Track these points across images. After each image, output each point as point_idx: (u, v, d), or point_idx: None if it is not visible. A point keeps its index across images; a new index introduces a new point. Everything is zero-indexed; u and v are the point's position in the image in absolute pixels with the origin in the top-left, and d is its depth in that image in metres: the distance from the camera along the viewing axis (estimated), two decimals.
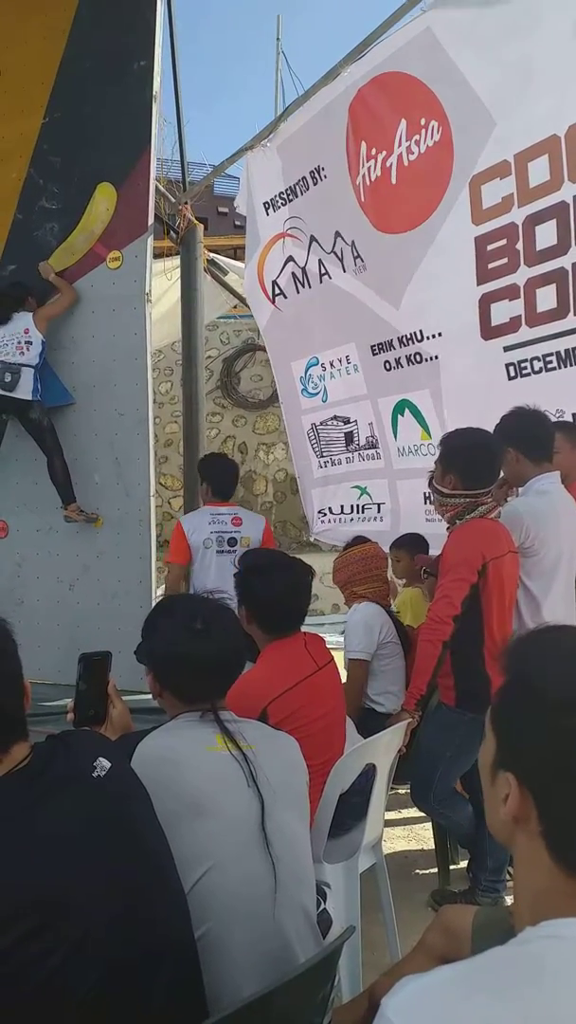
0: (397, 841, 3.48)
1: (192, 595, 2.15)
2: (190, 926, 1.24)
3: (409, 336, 3.99)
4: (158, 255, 4.76)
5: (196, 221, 4.92)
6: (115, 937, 1.10)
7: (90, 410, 4.61)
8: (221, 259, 5.87)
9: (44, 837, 1.09)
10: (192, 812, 1.36)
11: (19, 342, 4.43)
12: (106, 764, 1.21)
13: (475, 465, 2.67)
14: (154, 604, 4.47)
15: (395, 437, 4.47)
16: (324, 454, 5.11)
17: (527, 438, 2.83)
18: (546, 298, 3.25)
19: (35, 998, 1.03)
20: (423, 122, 3.55)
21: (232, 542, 3.99)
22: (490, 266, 3.45)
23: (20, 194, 4.75)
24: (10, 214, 4.77)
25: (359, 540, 3.42)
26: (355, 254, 4.14)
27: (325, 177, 4.19)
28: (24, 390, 4.40)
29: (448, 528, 2.78)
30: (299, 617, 2.27)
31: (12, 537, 4.88)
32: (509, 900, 2.72)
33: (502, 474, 2.87)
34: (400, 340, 4.06)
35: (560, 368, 3.26)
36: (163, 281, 5.47)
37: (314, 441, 5.16)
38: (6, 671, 1.18)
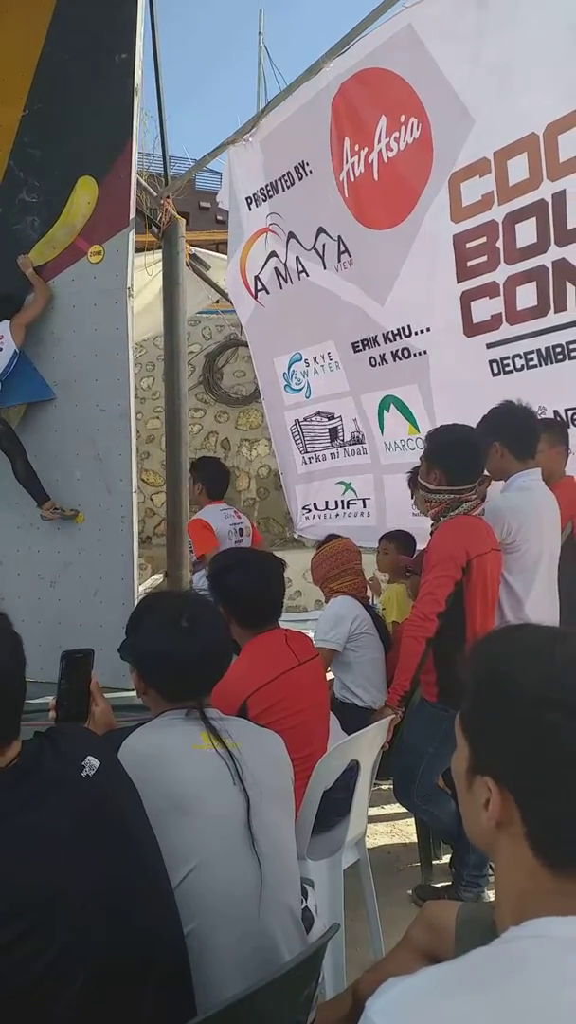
0: (380, 837, 3.49)
1: (176, 592, 2.14)
2: (180, 926, 1.24)
3: (396, 332, 3.98)
4: (139, 249, 4.72)
5: (178, 215, 4.89)
6: (105, 938, 1.09)
7: (71, 405, 4.56)
8: (203, 253, 5.83)
9: (33, 838, 1.09)
10: (177, 810, 1.36)
11: None
12: (95, 763, 1.20)
13: (461, 461, 2.68)
14: (137, 601, 4.49)
15: (381, 432, 4.47)
16: (308, 450, 5.10)
17: (514, 434, 2.84)
18: (526, 296, 3.26)
19: (24, 1000, 1.02)
20: (403, 119, 3.54)
21: (241, 532, 4.31)
22: (469, 264, 3.45)
23: (0, 187, 4.69)
24: None
25: (331, 537, 3.46)
26: (342, 249, 4.12)
27: (310, 172, 4.17)
28: None
29: (432, 525, 2.79)
30: (276, 609, 2.27)
31: None
32: (492, 895, 2.74)
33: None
34: (385, 336, 4.06)
35: (541, 366, 3.28)
36: (144, 275, 5.43)
37: (297, 437, 5.15)
38: (3, 667, 1.17)
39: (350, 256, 4.08)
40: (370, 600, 3.65)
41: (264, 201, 4.51)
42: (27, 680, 1.23)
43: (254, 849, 1.37)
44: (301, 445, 5.12)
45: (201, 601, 1.64)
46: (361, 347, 4.25)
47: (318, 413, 4.92)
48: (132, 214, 4.27)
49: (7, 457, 4.60)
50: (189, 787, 1.39)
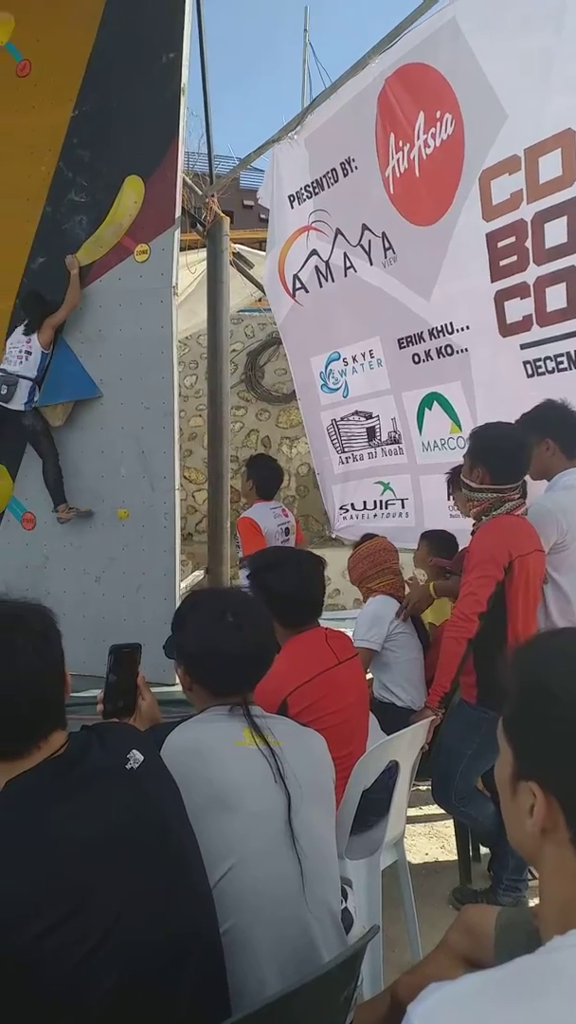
0: (418, 838, 3.47)
1: (221, 588, 2.16)
2: (216, 925, 1.24)
3: (440, 328, 3.95)
4: (183, 248, 4.76)
5: (223, 214, 4.91)
6: (140, 932, 1.10)
7: (116, 403, 4.63)
8: (247, 251, 5.85)
9: (74, 828, 1.10)
10: (218, 806, 1.37)
11: (20, 351, 4.59)
12: (139, 757, 1.22)
13: (505, 460, 2.65)
14: (178, 597, 4.54)
15: (420, 432, 4.43)
16: (345, 450, 5.08)
17: (564, 430, 2.81)
18: (556, 297, 3.19)
19: (57, 992, 1.03)
20: (438, 115, 3.52)
21: (287, 531, 4.39)
22: (501, 263, 3.41)
23: (50, 187, 4.77)
24: (40, 207, 4.79)
25: (367, 537, 3.45)
26: (386, 246, 4.10)
27: (356, 168, 4.16)
28: (18, 402, 4.58)
29: (474, 524, 2.76)
30: (316, 608, 2.28)
31: (40, 529, 4.92)
32: (532, 901, 2.71)
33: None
34: (431, 332, 4.03)
35: (572, 369, 3.22)
36: (188, 274, 5.47)
37: (334, 437, 5.13)
38: (51, 658, 1.19)
39: (394, 252, 4.05)
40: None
41: (308, 199, 4.51)
42: (72, 673, 1.26)
43: (294, 847, 1.37)
44: (338, 445, 5.10)
45: (246, 598, 1.65)
46: (406, 343, 4.22)
47: (356, 412, 4.89)
48: (178, 213, 4.32)
49: (39, 456, 4.72)
50: (230, 783, 1.40)
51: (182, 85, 4.35)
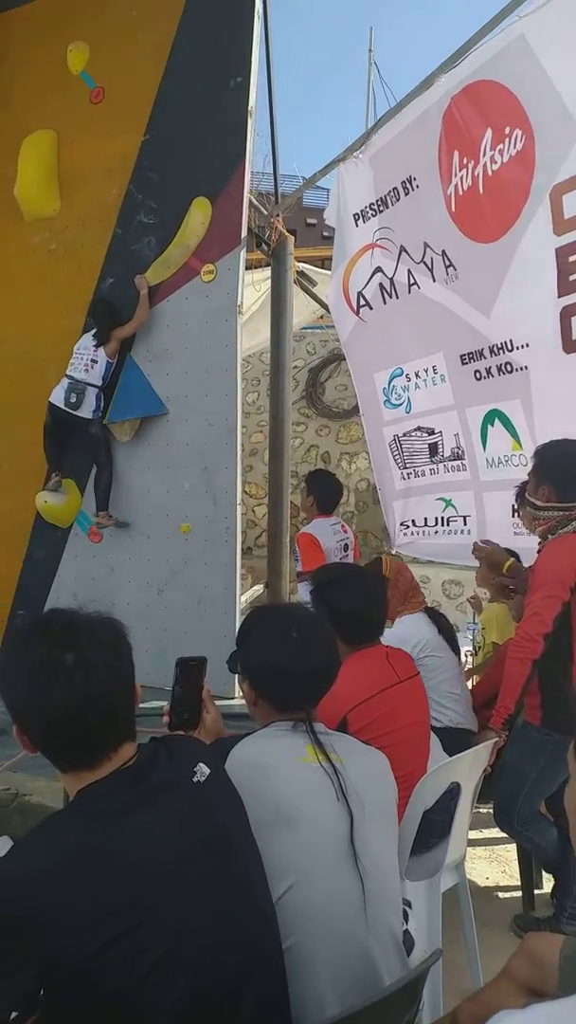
0: (479, 862, 3.41)
1: (285, 604, 2.17)
2: (279, 942, 1.25)
3: (500, 346, 3.92)
4: (247, 267, 4.84)
5: (287, 233, 4.98)
6: (203, 948, 1.11)
7: (182, 420, 4.73)
8: (310, 269, 5.92)
9: (141, 839, 1.12)
10: (279, 822, 1.37)
11: (87, 360, 4.74)
12: (206, 770, 1.24)
13: (571, 478, 2.62)
14: (239, 611, 4.58)
15: (484, 448, 4.39)
16: (407, 466, 5.06)
17: None
18: None
19: (120, 1006, 1.05)
20: (507, 131, 3.51)
21: (346, 547, 4.40)
22: (571, 277, 3.36)
23: (120, 209, 4.92)
24: (110, 229, 4.95)
25: (375, 563, 3.36)
26: (447, 263, 4.10)
27: (416, 187, 4.17)
28: (86, 410, 4.74)
29: (540, 543, 2.72)
30: (379, 626, 2.27)
31: (106, 542, 5.04)
32: None
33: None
34: (491, 349, 4.00)
35: None
36: (251, 292, 5.56)
37: (396, 453, 5.11)
38: (122, 672, 1.22)
39: (455, 269, 4.05)
40: (472, 618, 3.58)
41: (373, 217, 4.53)
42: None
43: (356, 866, 1.37)
44: (400, 461, 5.08)
45: (310, 614, 1.67)
46: (469, 359, 4.20)
47: (418, 428, 4.87)
48: (244, 233, 4.40)
49: (96, 466, 4.88)
50: (293, 799, 1.40)
51: (249, 108, 4.45)
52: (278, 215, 4.92)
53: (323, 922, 1.33)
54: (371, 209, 4.54)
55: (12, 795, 3.10)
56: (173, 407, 4.77)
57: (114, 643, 1.23)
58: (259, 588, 5.47)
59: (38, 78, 5.30)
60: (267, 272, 5.28)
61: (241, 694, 4.42)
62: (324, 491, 4.51)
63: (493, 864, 3.42)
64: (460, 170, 3.88)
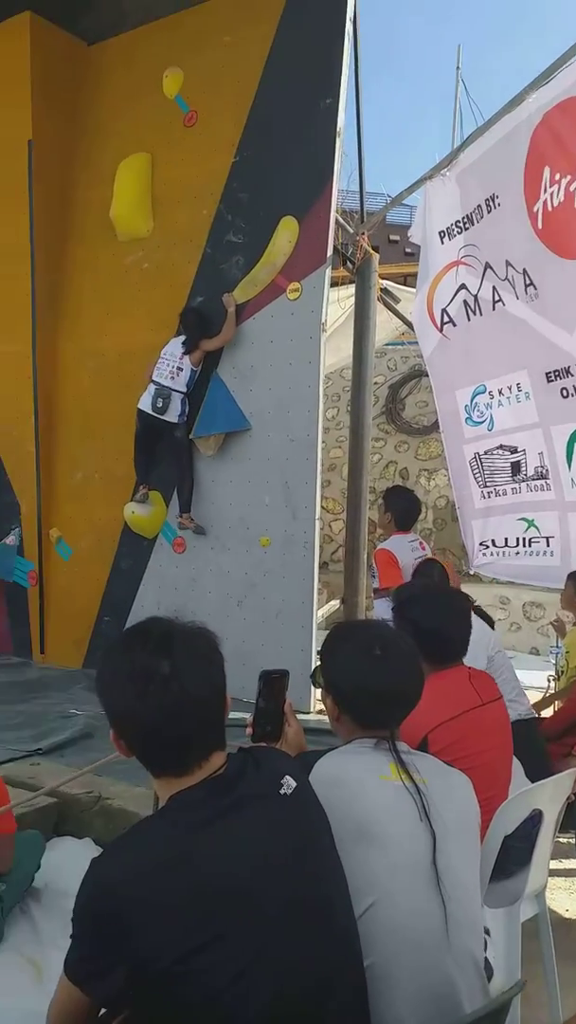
0: (559, 893, 3.31)
1: (369, 621, 2.18)
2: (361, 959, 1.25)
3: None
4: (332, 284, 4.90)
5: (372, 251, 5.01)
6: (289, 957, 1.12)
7: (264, 435, 4.81)
8: (393, 286, 5.93)
9: (230, 848, 1.15)
10: (361, 839, 1.37)
11: (172, 368, 4.93)
12: (292, 783, 1.25)
13: None
14: (315, 626, 4.60)
15: (569, 467, 4.30)
16: (488, 484, 4.99)
17: None
18: None
19: (204, 1014, 1.06)
20: None
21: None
22: None
23: (210, 229, 5.06)
24: (200, 249, 5.09)
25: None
26: (527, 282, 4.05)
27: (499, 205, 4.15)
28: (172, 414, 4.93)
29: None
30: (462, 646, 2.24)
31: (189, 553, 5.16)
32: None
33: None
34: None
35: None
36: (335, 309, 5.61)
37: (476, 471, 5.05)
38: (215, 680, 1.25)
39: (535, 288, 4.00)
40: (556, 642, 3.50)
41: (459, 234, 4.52)
42: None
43: (439, 889, 1.35)
44: (480, 479, 5.01)
45: (395, 632, 1.67)
46: (554, 377, 4.13)
47: (500, 446, 4.80)
48: (330, 251, 4.45)
49: (178, 470, 5.04)
50: (375, 817, 1.40)
51: (338, 129, 4.51)
52: (364, 233, 4.95)
53: (404, 943, 1.32)
54: (457, 227, 4.53)
55: (95, 798, 3.19)
56: (256, 422, 4.85)
57: (208, 653, 1.26)
58: (335, 603, 5.49)
59: (134, 103, 5.51)
60: (350, 289, 5.32)
61: (317, 709, 4.46)
62: (402, 508, 4.50)
63: (574, 896, 3.32)
64: (551, 186, 3.83)
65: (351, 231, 5.10)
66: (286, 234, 4.69)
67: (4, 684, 5.20)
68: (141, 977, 1.09)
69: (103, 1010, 1.22)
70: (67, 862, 2.89)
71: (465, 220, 4.46)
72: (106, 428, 5.52)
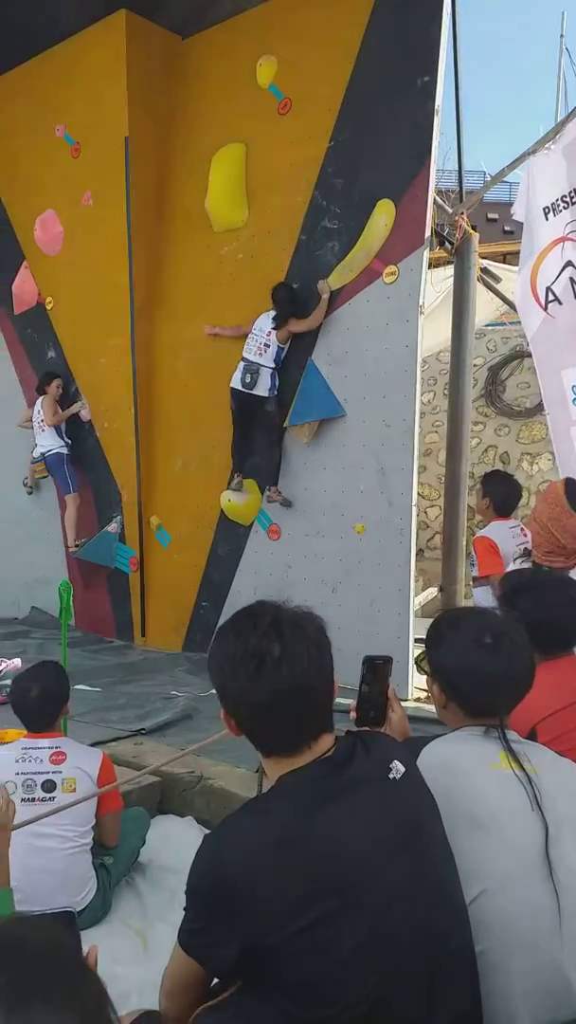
0: None
1: (478, 608, 2.14)
2: (472, 943, 1.24)
3: None
4: (428, 266, 4.80)
5: (472, 230, 4.88)
6: (402, 937, 1.12)
7: (359, 421, 4.78)
8: (492, 265, 5.76)
9: (341, 828, 1.15)
10: (471, 825, 1.36)
11: (259, 344, 5.01)
12: (401, 768, 1.25)
13: None
14: (412, 614, 4.55)
15: None
16: None
17: None
18: None
19: (312, 989, 1.08)
20: None
21: (527, 553, 4.18)
22: None
23: (304, 216, 5.04)
24: (295, 236, 5.08)
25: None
26: None
27: None
28: (262, 388, 5.02)
29: None
30: (573, 635, 2.17)
31: (284, 540, 5.20)
32: None
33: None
34: None
35: None
36: (431, 292, 5.50)
37: None
38: (324, 663, 1.26)
39: None
40: None
41: (564, 209, 4.34)
42: None
43: (551, 880, 1.32)
44: None
45: (505, 619, 1.63)
46: None
47: None
48: (428, 233, 4.36)
49: (267, 444, 5.11)
50: (484, 804, 1.38)
51: (436, 107, 4.40)
52: (463, 213, 4.83)
53: (515, 932, 1.30)
54: (563, 202, 4.34)
55: (197, 778, 3.27)
56: (350, 409, 4.83)
57: (317, 637, 1.28)
58: (433, 591, 5.41)
59: (228, 94, 5.54)
60: (448, 271, 5.21)
61: (414, 696, 4.40)
62: (501, 493, 4.35)
63: None
64: None
65: (449, 211, 4.98)
66: (382, 218, 4.63)
67: (108, 666, 5.39)
68: (252, 951, 1.11)
69: (216, 980, 1.25)
70: (171, 839, 2.98)
71: (572, 194, 4.28)
72: (202, 418, 5.62)
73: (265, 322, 5.04)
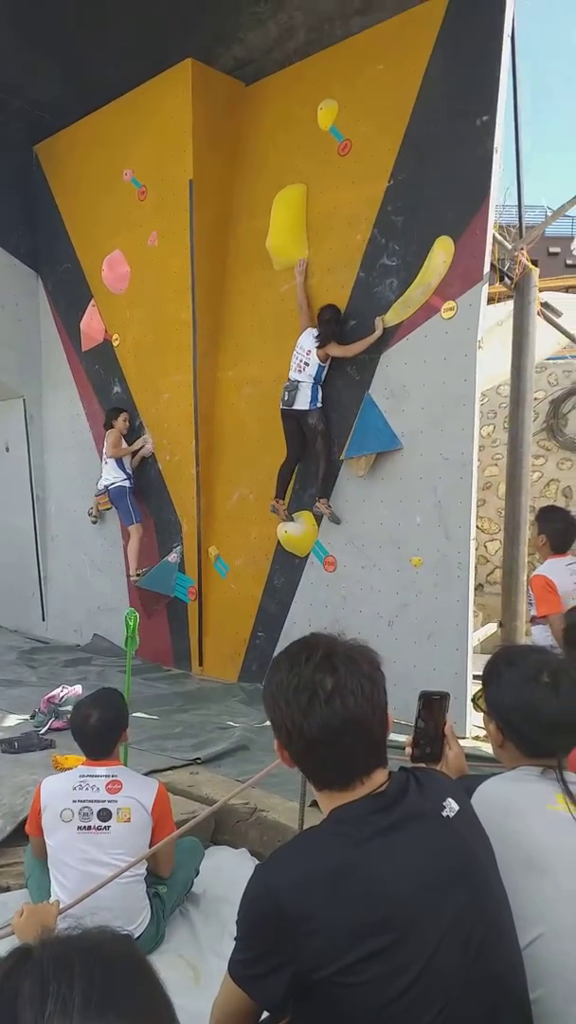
0: None
1: (535, 647, 2.13)
2: (526, 986, 1.22)
3: None
4: (488, 301, 4.80)
5: (532, 265, 4.87)
6: (455, 976, 1.11)
7: (416, 455, 4.78)
8: (556, 299, 5.72)
9: (393, 863, 1.15)
10: (527, 867, 1.34)
11: (299, 361, 5.14)
12: (455, 806, 1.24)
13: None
14: (470, 649, 4.48)
15: None
16: None
17: None
18: None
19: (373, 1022, 1.07)
20: None
21: None
22: None
23: (363, 254, 5.12)
24: (354, 273, 5.16)
25: None
26: None
27: None
28: (302, 402, 5.14)
29: None
30: None
31: (340, 572, 5.20)
32: None
33: None
34: None
35: None
36: (492, 325, 5.49)
37: None
38: (377, 698, 1.26)
39: None
40: None
41: None
42: None
43: None
44: None
45: (563, 660, 1.61)
46: None
47: None
48: (487, 269, 4.37)
49: (316, 453, 5.17)
50: (542, 847, 1.36)
51: (495, 146, 4.44)
52: (523, 248, 4.83)
53: (573, 980, 1.27)
54: None
55: (251, 810, 3.27)
56: (408, 442, 4.83)
57: (370, 671, 1.28)
58: (492, 627, 5.32)
59: (290, 137, 5.69)
60: (508, 305, 5.20)
61: (472, 735, 4.31)
62: (557, 529, 4.23)
63: None
64: None
65: (509, 247, 4.99)
66: (441, 253, 4.66)
67: (165, 695, 5.45)
68: (302, 984, 1.11)
69: (265, 1014, 1.25)
70: (224, 870, 2.98)
71: None
72: (261, 451, 5.69)
73: (307, 340, 5.14)
